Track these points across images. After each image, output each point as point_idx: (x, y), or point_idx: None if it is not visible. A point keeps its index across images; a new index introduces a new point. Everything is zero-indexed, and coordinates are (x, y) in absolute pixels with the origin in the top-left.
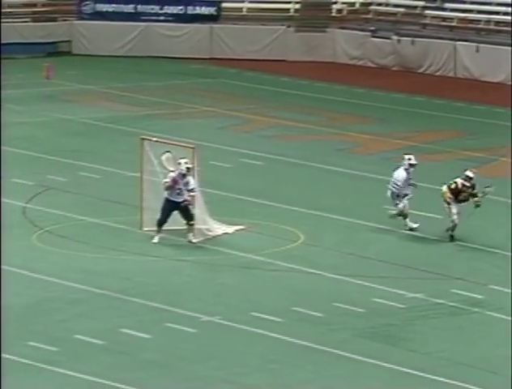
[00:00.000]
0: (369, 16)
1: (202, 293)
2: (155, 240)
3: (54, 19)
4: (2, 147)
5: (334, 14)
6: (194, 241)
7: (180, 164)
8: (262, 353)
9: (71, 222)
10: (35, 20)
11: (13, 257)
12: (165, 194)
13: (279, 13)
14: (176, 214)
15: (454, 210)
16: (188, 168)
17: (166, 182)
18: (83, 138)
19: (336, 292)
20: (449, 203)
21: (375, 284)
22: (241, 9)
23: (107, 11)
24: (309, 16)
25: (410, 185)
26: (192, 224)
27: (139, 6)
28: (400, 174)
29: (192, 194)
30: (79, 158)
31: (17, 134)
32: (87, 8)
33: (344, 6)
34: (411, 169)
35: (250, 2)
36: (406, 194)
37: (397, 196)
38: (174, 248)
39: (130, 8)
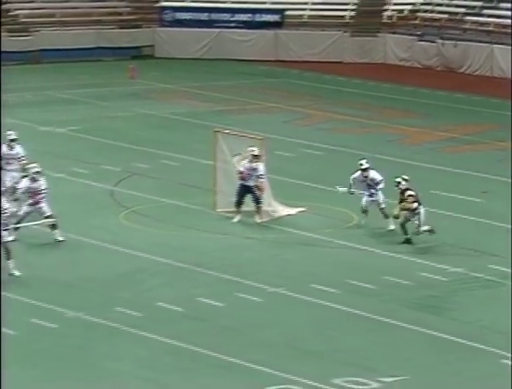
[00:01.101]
0: (417, 22)
1: (268, 267)
2: (236, 220)
3: (138, 26)
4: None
5: (385, 21)
6: (259, 221)
7: (250, 151)
8: (321, 321)
9: (153, 203)
10: (121, 27)
11: (103, 233)
12: (238, 180)
13: (336, 20)
14: (248, 196)
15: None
16: (255, 155)
17: (239, 171)
18: (164, 131)
19: (386, 266)
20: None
21: (420, 260)
22: (302, 16)
23: (185, 19)
24: (363, 22)
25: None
26: (259, 207)
27: (213, 15)
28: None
29: (261, 180)
30: (160, 148)
31: (105, 126)
32: (168, 16)
33: (394, 13)
34: (365, 173)
35: (311, 10)
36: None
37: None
38: (244, 227)
39: (204, 16)
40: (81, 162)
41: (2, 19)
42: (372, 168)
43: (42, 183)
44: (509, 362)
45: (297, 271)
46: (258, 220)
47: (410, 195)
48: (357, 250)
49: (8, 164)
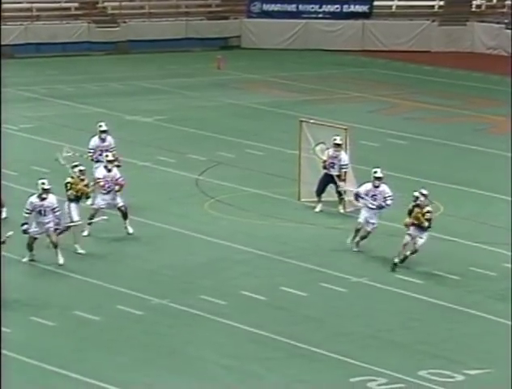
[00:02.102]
0: (505, 10)
1: (351, 257)
2: (318, 209)
3: (226, 18)
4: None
5: (473, 10)
6: (342, 211)
7: (333, 140)
8: (405, 312)
9: (237, 193)
10: (209, 19)
11: (187, 222)
12: (323, 170)
13: (424, 9)
14: (330, 186)
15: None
16: (337, 144)
17: (322, 161)
18: (249, 121)
19: (471, 257)
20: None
21: (505, 251)
22: (390, 7)
23: (272, 10)
24: (452, 12)
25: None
26: (342, 197)
27: (301, 6)
28: (364, 187)
29: (343, 169)
30: (245, 137)
31: (192, 116)
32: (255, 8)
33: (483, 1)
34: (378, 182)
35: (399, 0)
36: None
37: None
38: (327, 217)
39: (292, 7)
40: (167, 151)
41: (89, 11)
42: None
43: (116, 172)
44: None
45: (381, 260)
46: (341, 209)
47: (428, 212)
48: (443, 240)
49: (101, 155)
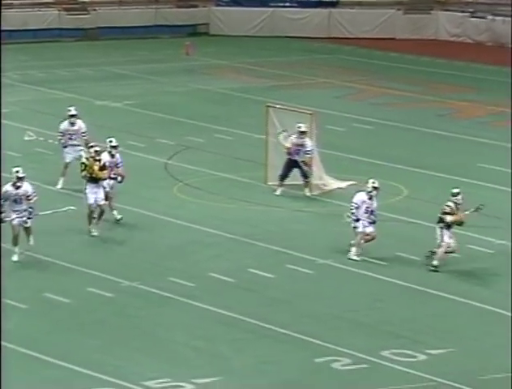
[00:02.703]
0: (469, 0)
1: (318, 239)
2: (278, 192)
3: (195, 6)
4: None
5: None
6: (309, 194)
7: (297, 128)
8: (370, 293)
9: (206, 176)
10: (178, 6)
11: (157, 205)
12: (287, 155)
13: None
14: (295, 171)
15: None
16: (302, 131)
17: (286, 147)
18: (218, 106)
19: (435, 239)
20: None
21: (469, 233)
22: None
23: None
24: (416, 1)
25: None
26: (308, 181)
27: None
28: (359, 196)
29: (308, 155)
30: (214, 122)
31: (161, 101)
32: None
33: None
34: (375, 192)
35: None
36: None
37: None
38: (293, 200)
39: None
40: (136, 136)
41: None
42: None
43: (118, 157)
44: None
45: (346, 243)
46: (307, 193)
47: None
48: (406, 223)
49: (71, 139)
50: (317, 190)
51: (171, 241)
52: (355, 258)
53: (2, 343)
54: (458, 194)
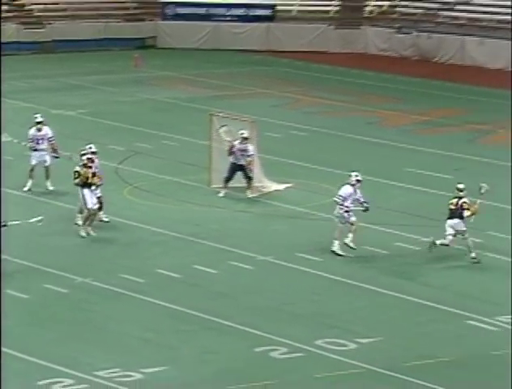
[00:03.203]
0: (395, 16)
1: (258, 238)
2: (221, 194)
3: (142, 20)
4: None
5: (366, 15)
6: (250, 196)
7: (238, 134)
8: (306, 287)
9: (154, 180)
10: (127, 20)
11: (108, 207)
12: (230, 158)
13: (321, 14)
14: (238, 174)
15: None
16: (245, 137)
17: (227, 149)
18: (165, 114)
19: (366, 237)
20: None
21: (397, 231)
22: (291, 11)
23: (185, 13)
24: (346, 16)
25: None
26: (250, 183)
27: (210, 9)
28: (345, 189)
29: (249, 158)
30: (161, 129)
31: (112, 110)
32: (169, 11)
33: (375, 8)
34: (358, 185)
35: (299, 5)
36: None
37: (344, 211)
38: (236, 201)
39: (203, 10)
40: (88, 142)
41: (17, 13)
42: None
43: (97, 162)
44: (475, 323)
45: (284, 241)
46: (249, 194)
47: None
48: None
49: (38, 144)
50: (257, 192)
51: (122, 240)
52: (352, 245)
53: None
54: (464, 189)
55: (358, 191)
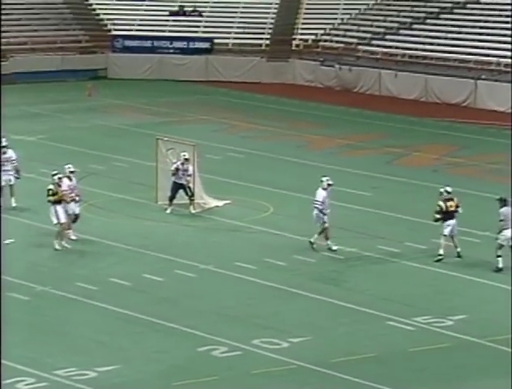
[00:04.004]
0: (319, 50)
1: (200, 249)
2: (168, 211)
3: (94, 52)
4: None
5: (294, 48)
6: (193, 211)
7: (181, 156)
8: (243, 292)
9: (107, 198)
10: (80, 53)
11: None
12: (172, 178)
13: (254, 47)
14: (181, 192)
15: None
16: (186, 159)
17: (172, 170)
18: (115, 139)
19: (295, 247)
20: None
21: (320, 242)
22: (227, 44)
23: (132, 46)
24: (276, 50)
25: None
26: (192, 199)
27: (155, 42)
28: (320, 194)
29: (189, 178)
30: (112, 152)
31: (68, 135)
32: (118, 44)
33: (301, 42)
34: (329, 188)
35: (234, 38)
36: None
37: (321, 213)
38: (180, 216)
39: (148, 43)
40: (47, 164)
41: None
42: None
43: (75, 181)
44: (394, 323)
45: (223, 251)
46: (192, 210)
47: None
48: (272, 235)
49: (3, 165)
50: (199, 208)
51: (77, 252)
52: (334, 248)
53: None
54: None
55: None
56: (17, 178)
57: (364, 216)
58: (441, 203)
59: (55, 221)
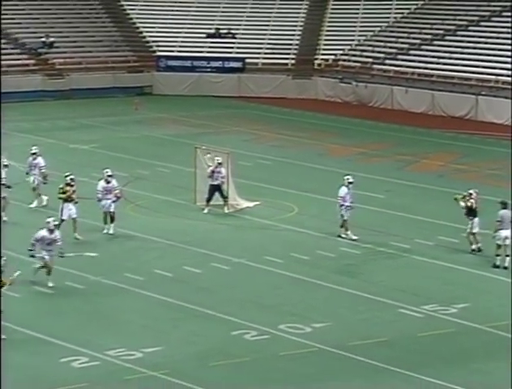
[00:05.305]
0: (338, 69)
1: (233, 244)
2: (205, 211)
3: (141, 71)
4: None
5: (316, 67)
6: (227, 211)
7: (216, 160)
8: (271, 283)
9: (151, 199)
10: (129, 72)
11: (116, 221)
12: (209, 180)
13: (281, 66)
14: (217, 194)
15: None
16: (219, 163)
17: (208, 173)
18: (159, 147)
19: (317, 244)
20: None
21: (340, 239)
22: (257, 64)
23: (174, 65)
24: (300, 69)
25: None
26: (226, 201)
27: (194, 62)
28: (342, 190)
29: (223, 180)
30: (156, 159)
31: (117, 144)
32: (162, 64)
33: (322, 61)
34: (351, 186)
35: (264, 58)
36: (348, 206)
37: (340, 206)
38: (215, 216)
39: (188, 63)
40: (99, 169)
41: (42, 67)
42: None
43: (114, 183)
44: (404, 311)
45: (254, 246)
46: (225, 210)
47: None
48: (297, 232)
49: (31, 170)
50: (232, 208)
51: (125, 247)
52: (354, 237)
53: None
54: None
55: (351, 191)
56: (44, 184)
57: (378, 216)
58: (462, 204)
59: (60, 216)
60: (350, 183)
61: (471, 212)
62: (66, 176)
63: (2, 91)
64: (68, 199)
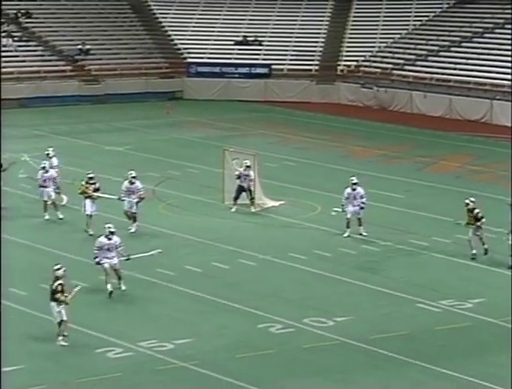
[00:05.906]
0: (360, 74)
1: (259, 242)
2: (233, 210)
3: (172, 77)
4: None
5: (338, 73)
6: (253, 210)
7: (243, 163)
8: (295, 278)
9: (182, 199)
10: (161, 77)
11: (148, 219)
12: (237, 181)
13: (305, 72)
14: (244, 193)
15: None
16: (248, 166)
17: (236, 175)
18: (190, 149)
19: (340, 241)
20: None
21: (362, 237)
22: (283, 70)
23: (204, 71)
24: (323, 74)
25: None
26: (253, 200)
27: (223, 68)
28: (345, 191)
29: (250, 182)
30: (187, 160)
31: (150, 146)
32: (192, 70)
33: (344, 67)
34: (355, 186)
35: (289, 64)
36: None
37: (360, 208)
38: (242, 214)
39: (217, 69)
40: (133, 170)
41: (78, 73)
42: (359, 185)
43: (138, 184)
44: (423, 306)
45: (279, 244)
46: (252, 209)
47: (478, 213)
48: (320, 230)
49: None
50: (259, 207)
51: (157, 244)
52: (365, 233)
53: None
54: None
55: (359, 189)
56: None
57: (397, 215)
58: (464, 223)
59: (84, 212)
60: (354, 184)
61: (476, 220)
62: (87, 174)
63: (40, 96)
64: (89, 196)
